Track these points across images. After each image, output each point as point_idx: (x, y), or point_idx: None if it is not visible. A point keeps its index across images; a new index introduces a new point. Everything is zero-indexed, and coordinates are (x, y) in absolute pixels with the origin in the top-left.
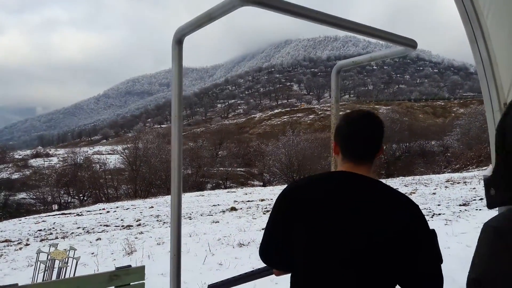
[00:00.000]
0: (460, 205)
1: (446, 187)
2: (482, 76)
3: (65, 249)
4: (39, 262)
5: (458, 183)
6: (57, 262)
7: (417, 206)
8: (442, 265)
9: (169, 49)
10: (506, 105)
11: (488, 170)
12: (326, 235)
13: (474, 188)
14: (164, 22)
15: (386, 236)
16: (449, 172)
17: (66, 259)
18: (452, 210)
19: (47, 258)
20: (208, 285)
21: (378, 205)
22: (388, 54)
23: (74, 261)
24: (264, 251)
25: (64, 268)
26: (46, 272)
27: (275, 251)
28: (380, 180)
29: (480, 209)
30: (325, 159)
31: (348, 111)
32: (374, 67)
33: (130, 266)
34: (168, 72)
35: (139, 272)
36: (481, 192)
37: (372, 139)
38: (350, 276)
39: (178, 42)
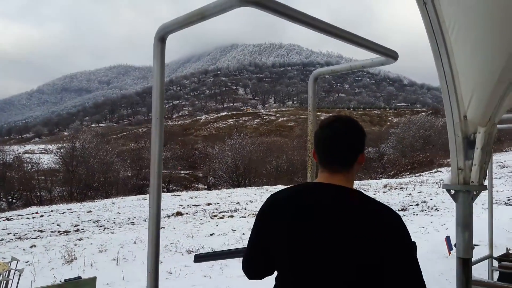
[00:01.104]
0: (398, 210)
1: (384, 192)
2: (444, 89)
3: (6, 261)
4: None
5: (395, 188)
6: None
7: (398, 216)
8: None
9: (108, 46)
10: (465, 118)
11: (447, 179)
12: (301, 250)
13: (410, 194)
14: (106, 18)
15: (362, 248)
16: (385, 178)
17: (7, 272)
18: None
19: None
20: (195, 255)
21: (352, 216)
22: (367, 64)
23: (17, 273)
24: (248, 268)
25: (4, 282)
26: None
27: (259, 267)
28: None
29: (416, 214)
30: (270, 163)
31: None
32: None
33: (80, 277)
34: (109, 70)
35: (90, 283)
36: (417, 197)
37: (345, 145)
38: None
39: (161, 39)
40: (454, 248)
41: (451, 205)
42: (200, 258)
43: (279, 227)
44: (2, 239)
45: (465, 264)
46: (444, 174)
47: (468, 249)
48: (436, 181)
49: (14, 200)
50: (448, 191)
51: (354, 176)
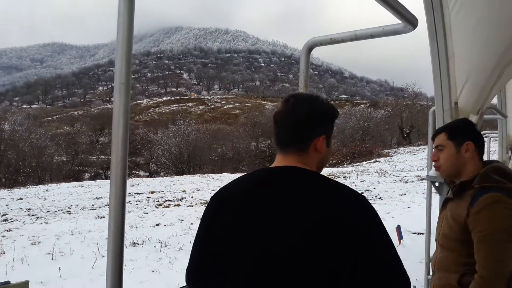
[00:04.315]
0: None
1: None
2: (436, 72)
3: None
4: None
5: (339, 177)
6: None
7: (364, 197)
8: None
9: (43, 23)
10: (456, 104)
11: (432, 171)
12: (241, 238)
13: (354, 183)
14: None
15: (318, 231)
16: (327, 167)
17: None
18: None
19: None
20: None
21: (309, 198)
22: (377, 33)
23: None
24: (192, 275)
25: None
26: None
27: (205, 272)
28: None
29: None
30: (215, 151)
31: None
32: (262, 64)
33: (8, 282)
34: (43, 47)
35: None
36: (360, 186)
37: (296, 121)
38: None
39: None
40: (403, 237)
41: (393, 194)
42: None
43: (229, 223)
44: None
45: None
46: (383, 164)
47: None
48: (377, 170)
49: None
50: (433, 183)
51: (311, 164)
